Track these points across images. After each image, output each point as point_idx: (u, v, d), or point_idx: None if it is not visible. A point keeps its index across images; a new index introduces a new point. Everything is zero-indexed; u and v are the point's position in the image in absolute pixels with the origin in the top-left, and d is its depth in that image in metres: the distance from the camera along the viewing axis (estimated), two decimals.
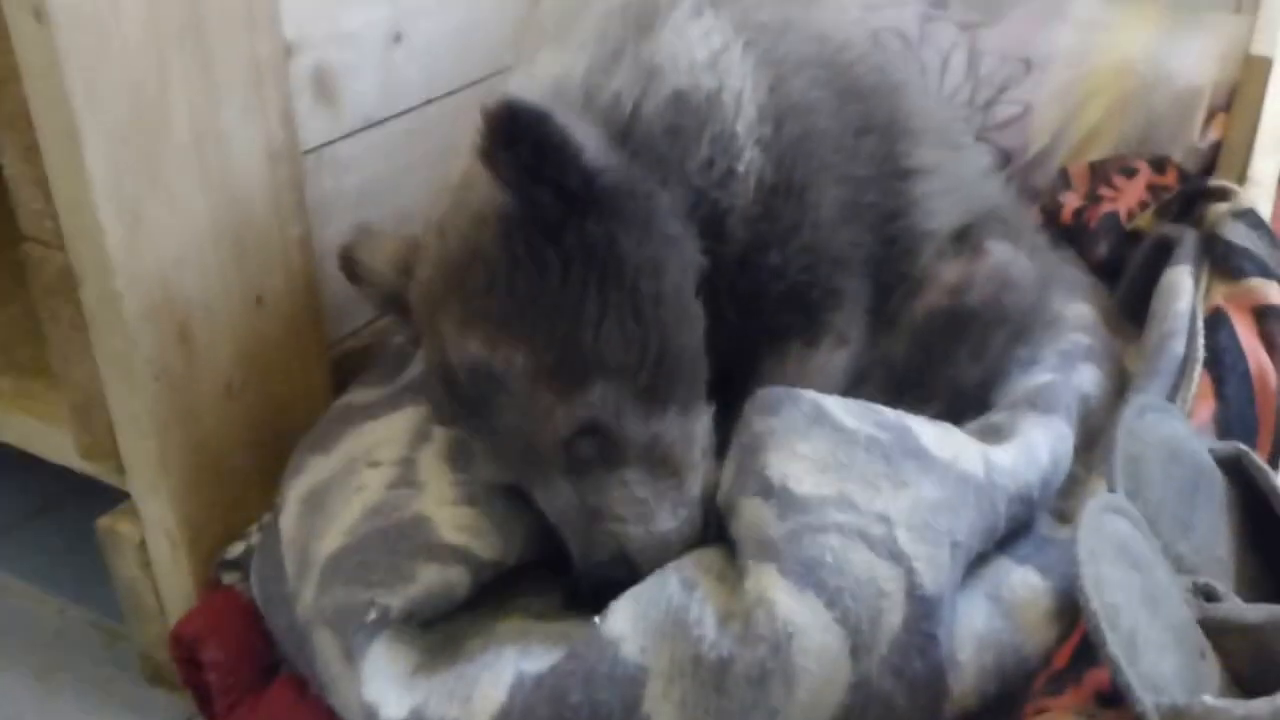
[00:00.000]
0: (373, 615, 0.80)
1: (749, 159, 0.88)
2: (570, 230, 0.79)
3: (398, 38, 1.06)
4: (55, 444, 1.04)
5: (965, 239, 1.01)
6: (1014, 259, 0.99)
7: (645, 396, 0.82)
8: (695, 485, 0.86)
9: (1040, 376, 0.98)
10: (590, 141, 0.79)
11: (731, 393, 0.89)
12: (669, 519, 0.84)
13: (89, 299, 0.87)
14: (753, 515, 0.79)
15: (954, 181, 1.02)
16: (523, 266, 0.79)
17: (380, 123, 1.07)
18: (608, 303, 0.80)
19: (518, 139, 0.75)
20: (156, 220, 0.86)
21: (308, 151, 0.99)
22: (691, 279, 0.85)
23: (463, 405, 0.84)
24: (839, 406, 0.84)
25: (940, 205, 1.00)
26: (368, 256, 0.94)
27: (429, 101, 1.12)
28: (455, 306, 0.82)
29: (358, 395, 1.03)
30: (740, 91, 0.89)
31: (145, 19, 0.82)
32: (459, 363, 0.82)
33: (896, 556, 0.75)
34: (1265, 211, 1.12)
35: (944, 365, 0.96)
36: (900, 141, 0.98)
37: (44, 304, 0.91)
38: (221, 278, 0.93)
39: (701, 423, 0.87)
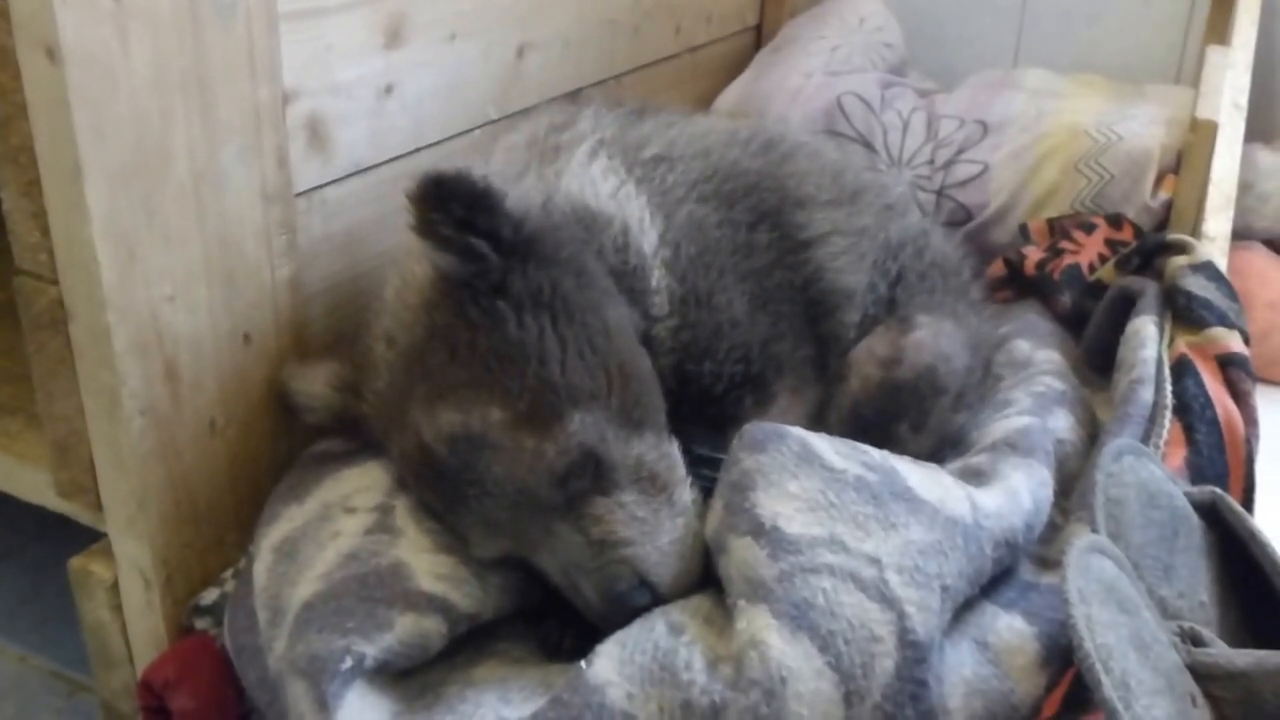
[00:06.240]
0: (348, 663, 0.78)
1: (658, 276, 0.96)
2: (514, 278, 0.85)
3: (389, 89, 1.09)
4: (31, 483, 1.02)
5: (894, 310, 1.06)
6: (939, 329, 1.03)
7: (620, 421, 0.86)
8: (684, 496, 0.88)
9: (1017, 419, 0.99)
10: (510, 192, 0.86)
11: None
12: (672, 530, 0.86)
13: (78, 333, 0.87)
14: (743, 555, 0.78)
15: (853, 237, 1.09)
16: (478, 325, 0.84)
17: (370, 169, 1.09)
18: (564, 339, 0.84)
19: (447, 199, 0.82)
20: (151, 256, 0.87)
21: (299, 194, 1.00)
22: (630, 329, 0.91)
23: (447, 484, 0.85)
24: (826, 445, 0.85)
25: (845, 263, 1.07)
26: (305, 385, 0.98)
27: (417, 150, 1.14)
28: (421, 389, 0.85)
29: (333, 443, 1.01)
30: (641, 219, 0.98)
31: (152, 62, 0.84)
32: (436, 438, 0.84)
33: (888, 600, 0.75)
34: (1220, 265, 1.16)
35: (884, 440, 0.96)
36: (794, 215, 1.06)
37: (32, 337, 0.90)
38: (210, 315, 0.93)
39: (674, 446, 0.90)
